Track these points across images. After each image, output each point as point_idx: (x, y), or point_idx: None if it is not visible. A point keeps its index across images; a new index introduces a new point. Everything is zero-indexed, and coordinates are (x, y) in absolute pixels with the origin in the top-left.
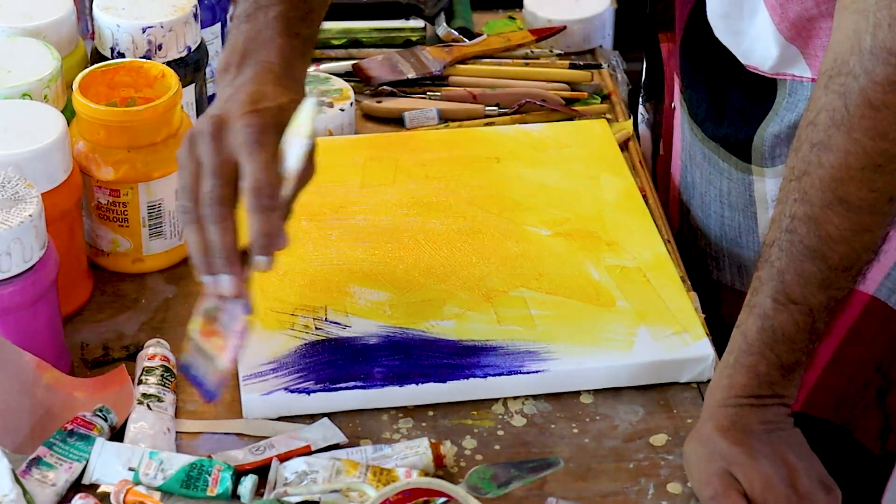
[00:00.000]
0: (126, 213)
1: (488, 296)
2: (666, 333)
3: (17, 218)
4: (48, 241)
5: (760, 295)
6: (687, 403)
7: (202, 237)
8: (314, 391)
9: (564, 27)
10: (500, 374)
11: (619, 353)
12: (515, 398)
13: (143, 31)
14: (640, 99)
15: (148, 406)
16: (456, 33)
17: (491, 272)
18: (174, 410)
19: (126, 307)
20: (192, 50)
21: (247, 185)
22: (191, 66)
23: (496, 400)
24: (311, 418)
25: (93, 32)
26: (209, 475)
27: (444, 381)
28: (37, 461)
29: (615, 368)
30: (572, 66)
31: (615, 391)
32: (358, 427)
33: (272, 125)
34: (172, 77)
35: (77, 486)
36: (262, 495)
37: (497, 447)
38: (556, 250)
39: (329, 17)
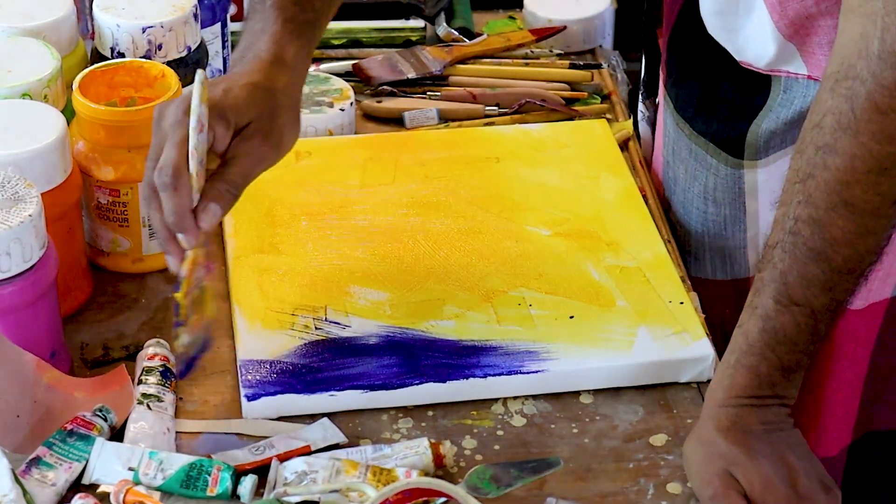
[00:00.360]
0: (126, 212)
1: (488, 296)
2: (666, 333)
3: (17, 218)
4: (48, 241)
5: (762, 296)
6: (687, 403)
7: (151, 207)
8: (314, 391)
9: (564, 27)
10: (499, 374)
11: (619, 353)
12: (515, 398)
13: (143, 31)
14: (640, 96)
15: (148, 406)
16: (456, 33)
17: (491, 272)
18: (174, 410)
19: (126, 307)
20: (192, 50)
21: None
22: (191, 66)
23: (496, 400)
24: (311, 418)
25: (93, 32)
26: (209, 475)
27: (444, 381)
28: (37, 461)
29: (615, 368)
30: (572, 66)
31: (615, 391)
32: (358, 427)
33: (187, 100)
34: (172, 77)
35: (77, 486)
36: (261, 495)
37: (497, 447)
38: (555, 250)
39: None
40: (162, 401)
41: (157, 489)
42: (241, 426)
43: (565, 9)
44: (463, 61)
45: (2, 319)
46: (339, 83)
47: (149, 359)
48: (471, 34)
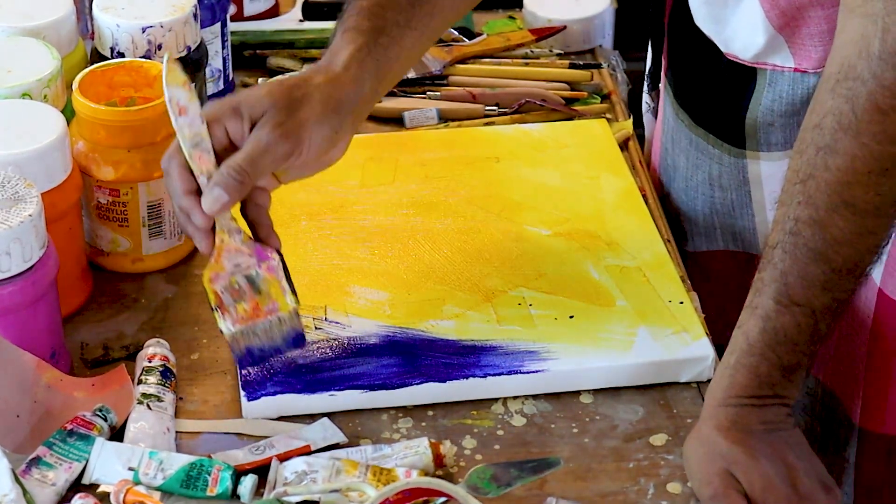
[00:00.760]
0: (126, 212)
1: (488, 296)
2: (666, 333)
3: (17, 218)
4: (48, 241)
5: (763, 296)
6: (687, 403)
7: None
8: (314, 391)
9: (564, 27)
10: (499, 374)
11: (619, 352)
12: (515, 398)
13: (143, 31)
14: (646, 87)
15: (148, 406)
16: (456, 33)
17: (491, 272)
18: (174, 410)
19: (126, 307)
20: (192, 50)
21: None
22: (191, 66)
23: (496, 400)
24: (311, 418)
25: (93, 32)
26: (209, 475)
27: (444, 381)
28: (37, 461)
29: (615, 368)
30: (572, 66)
31: (615, 391)
32: (358, 427)
33: (229, 102)
34: None
35: (77, 486)
36: (261, 495)
37: (497, 447)
38: (556, 250)
39: (329, 17)
40: (162, 401)
41: (158, 489)
42: (241, 426)
43: (565, 9)
44: (463, 61)
45: (2, 319)
46: None
47: (149, 359)
48: (471, 34)
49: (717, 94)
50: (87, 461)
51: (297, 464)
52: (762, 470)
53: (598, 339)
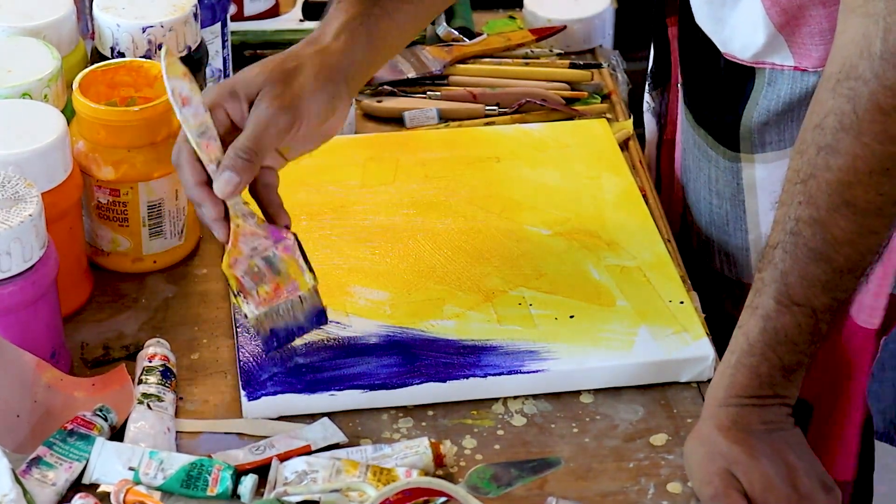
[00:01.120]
0: (126, 212)
1: (488, 295)
2: (666, 333)
3: (17, 217)
4: (48, 241)
5: (763, 296)
6: (687, 403)
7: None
8: (314, 391)
9: (564, 27)
10: (500, 374)
11: (620, 352)
12: (515, 398)
13: (143, 31)
14: (647, 87)
15: (148, 406)
16: (456, 33)
17: (491, 272)
18: (174, 410)
19: (126, 307)
20: (193, 49)
21: None
22: (191, 66)
23: (496, 399)
24: (311, 418)
25: (93, 32)
26: (209, 475)
27: (444, 381)
28: (37, 461)
29: (615, 368)
30: (572, 66)
31: (615, 391)
32: (358, 427)
33: (225, 85)
34: None
35: (77, 486)
36: (262, 495)
37: (497, 447)
38: (556, 250)
39: None
40: (162, 400)
41: (158, 489)
42: (242, 426)
43: (565, 8)
44: (463, 61)
45: (2, 319)
46: None
47: (149, 358)
48: (471, 34)
49: (716, 94)
50: (87, 461)
51: (298, 464)
52: (762, 470)
53: (598, 339)
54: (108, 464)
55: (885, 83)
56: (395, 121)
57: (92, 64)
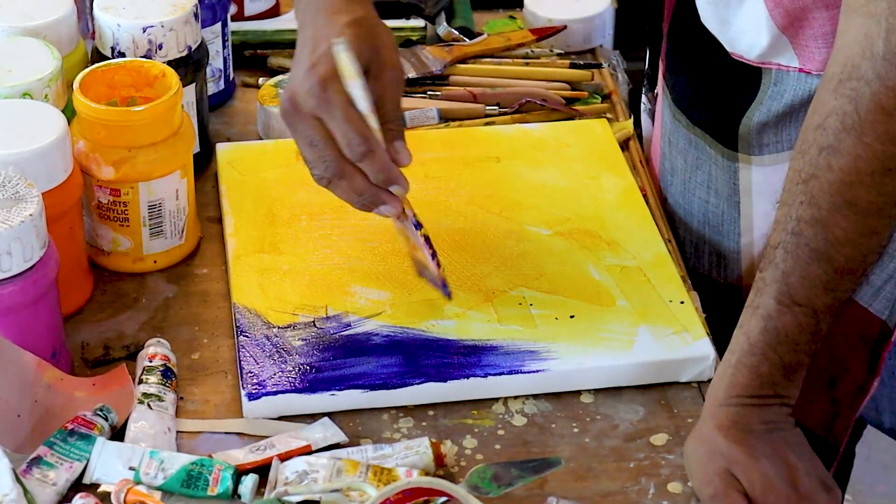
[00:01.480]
0: (126, 212)
1: (489, 295)
2: (666, 333)
3: (17, 217)
4: (48, 241)
5: (764, 296)
6: (687, 403)
7: (352, 182)
8: (315, 391)
9: (565, 27)
10: (500, 374)
11: (620, 352)
12: (516, 398)
13: (144, 31)
14: (644, 88)
15: (148, 405)
16: (456, 33)
17: (491, 272)
18: (175, 410)
19: (126, 307)
20: (193, 49)
21: (340, 144)
22: (191, 66)
23: (496, 399)
24: (312, 418)
25: (93, 32)
26: (210, 474)
27: (445, 381)
28: (37, 461)
29: (615, 368)
30: (573, 66)
31: (615, 391)
32: (358, 426)
33: (328, 74)
34: (173, 76)
35: (78, 486)
36: (262, 495)
37: (497, 447)
38: (556, 250)
39: None
40: (163, 400)
41: (158, 489)
42: (242, 426)
43: (565, 8)
44: (463, 61)
45: (2, 319)
46: None
47: (149, 358)
48: (471, 34)
49: (719, 93)
50: (87, 461)
51: (298, 463)
52: (763, 470)
53: (598, 339)
54: (108, 463)
55: (887, 83)
56: None
57: (92, 64)
